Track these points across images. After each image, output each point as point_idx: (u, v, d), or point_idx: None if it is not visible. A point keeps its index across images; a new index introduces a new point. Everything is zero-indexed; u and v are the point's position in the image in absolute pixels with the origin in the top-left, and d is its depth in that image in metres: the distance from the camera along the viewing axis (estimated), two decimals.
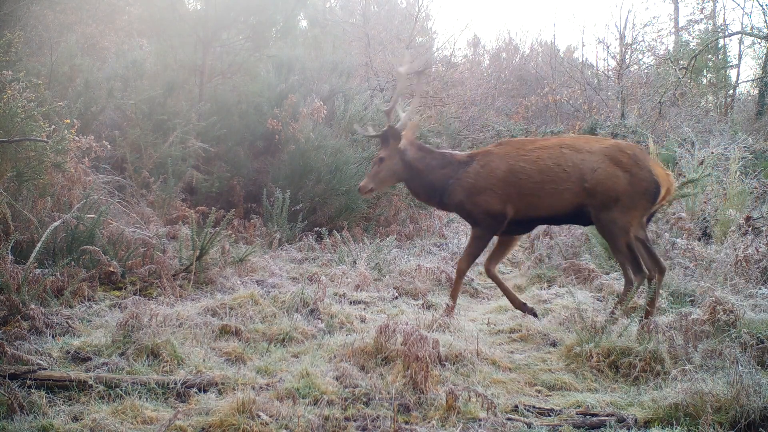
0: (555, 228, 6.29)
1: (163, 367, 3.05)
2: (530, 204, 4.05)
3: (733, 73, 16.17)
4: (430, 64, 4.59)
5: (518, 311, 4.28)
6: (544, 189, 3.98)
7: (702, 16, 16.14)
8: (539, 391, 3.08)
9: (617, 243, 3.92)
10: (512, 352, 3.66)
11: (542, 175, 3.98)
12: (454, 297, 4.19)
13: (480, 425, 2.62)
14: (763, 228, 5.44)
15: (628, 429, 2.63)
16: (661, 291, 4.35)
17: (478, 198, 4.10)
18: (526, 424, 2.66)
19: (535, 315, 4.23)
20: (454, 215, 8.63)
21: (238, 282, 4.76)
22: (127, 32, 9.24)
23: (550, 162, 3.99)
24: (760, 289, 4.16)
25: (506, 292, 4.33)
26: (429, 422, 2.65)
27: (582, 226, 5.57)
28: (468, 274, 5.54)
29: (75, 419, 2.54)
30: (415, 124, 4.45)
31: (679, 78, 11.23)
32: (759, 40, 14.19)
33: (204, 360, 3.17)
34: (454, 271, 4.45)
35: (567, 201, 3.98)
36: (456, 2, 31.76)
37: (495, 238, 4.38)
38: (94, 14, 9.31)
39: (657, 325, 3.33)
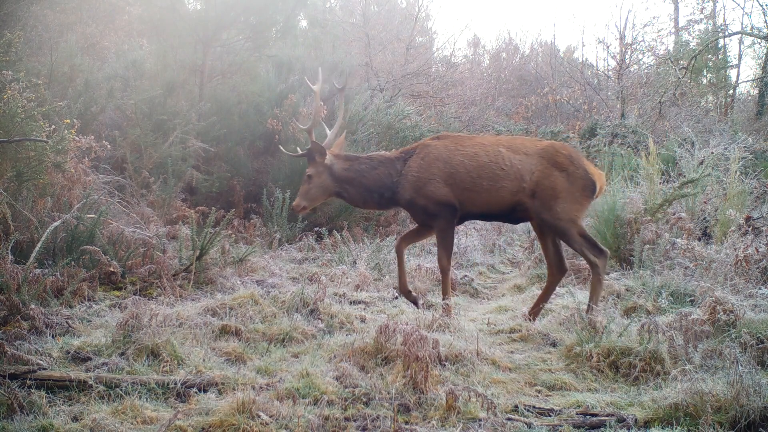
0: None
1: (163, 367, 3.05)
2: (468, 198, 4.13)
3: (733, 73, 16.19)
4: (346, 83, 4.71)
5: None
6: (481, 185, 4.09)
7: (702, 16, 16.15)
8: (539, 391, 3.08)
9: (571, 236, 4.03)
10: (512, 352, 3.66)
11: (479, 170, 4.09)
12: (446, 294, 4.23)
13: (480, 425, 2.62)
14: (763, 228, 5.44)
15: (628, 429, 2.63)
16: (660, 290, 4.35)
17: (426, 189, 4.15)
18: (526, 424, 2.66)
19: (416, 304, 4.32)
20: None
21: (238, 282, 4.76)
22: (127, 32, 9.24)
23: (487, 159, 4.10)
24: (760, 289, 4.16)
25: (401, 272, 4.36)
26: (429, 422, 2.65)
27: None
28: (468, 274, 5.56)
29: (75, 419, 2.54)
30: (342, 140, 4.52)
31: (679, 78, 11.24)
32: (759, 40, 14.19)
33: (204, 360, 3.17)
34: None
35: (504, 199, 4.09)
36: (456, 2, 31.79)
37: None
38: (94, 14, 9.31)
39: (657, 325, 3.33)
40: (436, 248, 4.26)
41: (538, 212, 4.05)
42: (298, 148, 4.65)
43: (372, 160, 4.32)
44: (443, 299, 4.19)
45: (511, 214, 4.19)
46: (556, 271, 4.25)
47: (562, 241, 4.20)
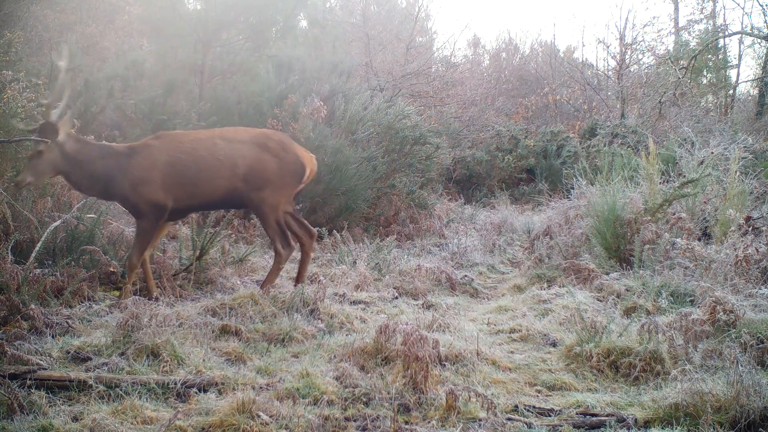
0: (555, 228, 6.27)
1: (163, 367, 3.05)
2: (189, 193, 4.32)
3: (733, 73, 16.20)
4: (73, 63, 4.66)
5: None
6: (200, 178, 4.29)
7: (702, 16, 16.17)
8: (539, 391, 3.08)
9: (268, 220, 4.36)
10: (512, 352, 3.65)
11: (198, 164, 4.28)
12: (128, 288, 4.20)
13: (480, 425, 2.63)
14: (763, 228, 5.43)
15: (628, 429, 2.63)
16: (660, 290, 4.36)
17: (141, 189, 4.24)
18: (526, 424, 2.66)
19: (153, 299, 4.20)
20: (454, 215, 8.63)
21: (238, 282, 4.76)
22: (127, 32, 9.24)
23: (205, 153, 4.30)
24: (760, 289, 4.15)
25: (148, 277, 4.39)
26: (429, 422, 2.65)
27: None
28: (468, 274, 5.56)
29: (75, 419, 2.54)
30: (69, 118, 4.43)
31: (679, 78, 11.24)
32: (759, 40, 14.20)
33: (204, 360, 3.17)
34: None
35: (222, 187, 4.32)
36: (456, 2, 31.79)
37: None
38: (94, 14, 9.32)
39: (657, 325, 3.33)
40: (135, 242, 4.25)
41: (247, 193, 4.31)
42: (20, 123, 4.54)
43: (102, 149, 4.34)
44: (124, 292, 4.16)
45: (228, 200, 4.43)
46: (308, 238, 4.61)
47: (260, 223, 4.45)
